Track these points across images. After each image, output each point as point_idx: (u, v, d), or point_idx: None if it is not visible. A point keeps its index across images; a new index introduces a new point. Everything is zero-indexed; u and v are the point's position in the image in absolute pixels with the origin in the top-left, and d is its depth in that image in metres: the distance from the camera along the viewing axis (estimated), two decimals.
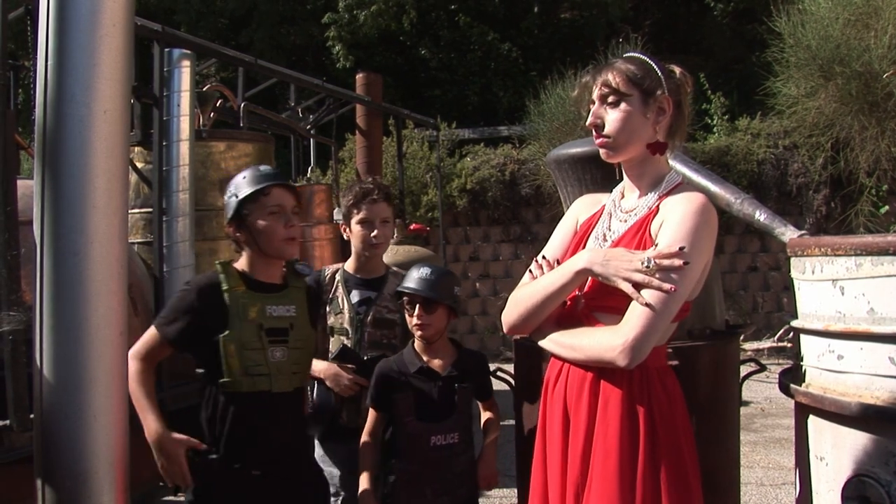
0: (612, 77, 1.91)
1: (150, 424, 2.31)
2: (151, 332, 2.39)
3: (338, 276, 2.94)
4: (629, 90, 1.90)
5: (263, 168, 2.47)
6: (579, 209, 2.15)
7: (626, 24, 17.06)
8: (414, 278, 2.57)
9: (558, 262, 2.02)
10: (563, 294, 1.94)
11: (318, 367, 2.78)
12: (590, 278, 1.92)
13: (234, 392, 2.31)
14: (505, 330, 2.08)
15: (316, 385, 2.82)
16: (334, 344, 2.85)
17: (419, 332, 2.57)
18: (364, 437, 2.63)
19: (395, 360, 2.63)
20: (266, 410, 2.33)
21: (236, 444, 2.33)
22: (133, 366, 2.30)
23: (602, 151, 1.96)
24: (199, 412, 2.41)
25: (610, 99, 1.92)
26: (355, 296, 2.90)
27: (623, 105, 1.90)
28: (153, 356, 2.41)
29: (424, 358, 2.60)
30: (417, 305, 2.55)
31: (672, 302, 1.76)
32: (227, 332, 2.30)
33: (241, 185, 2.40)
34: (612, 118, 1.92)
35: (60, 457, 1.47)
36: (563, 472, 1.91)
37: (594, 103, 1.96)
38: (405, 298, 2.59)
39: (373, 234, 2.88)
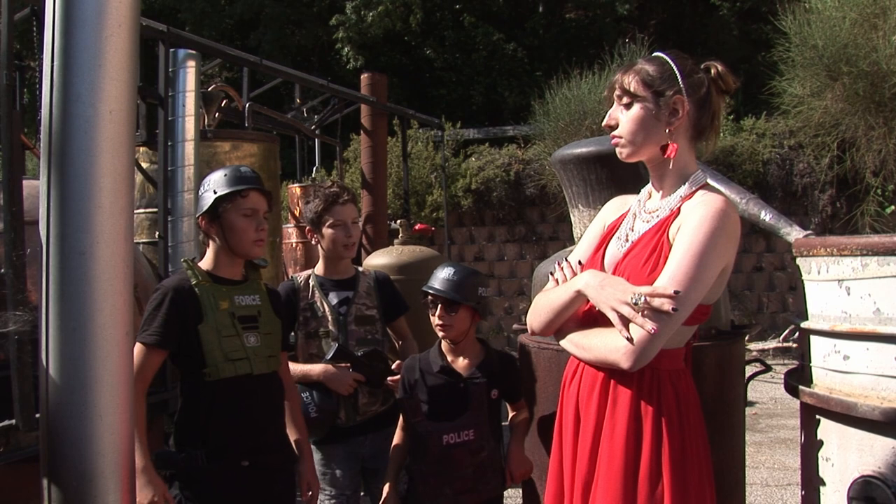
0: (627, 79, 1.93)
1: (137, 459, 2.23)
2: (136, 349, 2.36)
3: (311, 282, 2.98)
4: (641, 92, 1.90)
5: (244, 169, 2.56)
6: (608, 211, 2.16)
7: (631, 24, 17.04)
8: (438, 278, 2.57)
9: (580, 264, 2.04)
10: (569, 309, 1.96)
11: (316, 370, 2.80)
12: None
13: (217, 380, 2.38)
14: (529, 332, 2.12)
15: (312, 391, 2.82)
16: (325, 347, 2.89)
17: (441, 333, 2.58)
18: (398, 431, 2.69)
19: (421, 358, 2.64)
20: (249, 393, 2.42)
21: (222, 432, 2.38)
22: None
23: (617, 151, 1.98)
24: (179, 413, 2.46)
25: (624, 100, 1.94)
26: (333, 298, 2.96)
27: (635, 107, 1.91)
28: (144, 373, 2.36)
29: (449, 358, 2.59)
30: (439, 306, 2.55)
31: (681, 306, 1.74)
32: (203, 322, 2.39)
33: (220, 183, 2.49)
34: (624, 119, 1.94)
35: (66, 456, 1.47)
36: (573, 470, 1.93)
37: (613, 104, 1.98)
38: (428, 298, 2.58)
39: (349, 235, 2.95)
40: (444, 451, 2.45)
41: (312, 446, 2.86)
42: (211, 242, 2.52)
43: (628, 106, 1.93)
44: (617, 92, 1.95)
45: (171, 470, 2.41)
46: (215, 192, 2.47)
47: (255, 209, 2.49)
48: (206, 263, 2.54)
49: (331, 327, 2.91)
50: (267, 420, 2.49)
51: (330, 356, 2.81)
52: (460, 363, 2.58)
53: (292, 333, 2.92)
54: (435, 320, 2.56)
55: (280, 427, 2.57)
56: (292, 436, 2.65)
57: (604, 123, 1.99)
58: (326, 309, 2.93)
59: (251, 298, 2.53)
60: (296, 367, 2.85)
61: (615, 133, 1.96)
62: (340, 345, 2.84)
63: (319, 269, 3.04)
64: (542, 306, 2.02)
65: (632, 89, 1.91)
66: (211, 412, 2.38)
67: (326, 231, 2.96)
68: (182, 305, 2.39)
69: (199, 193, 2.55)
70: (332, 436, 2.85)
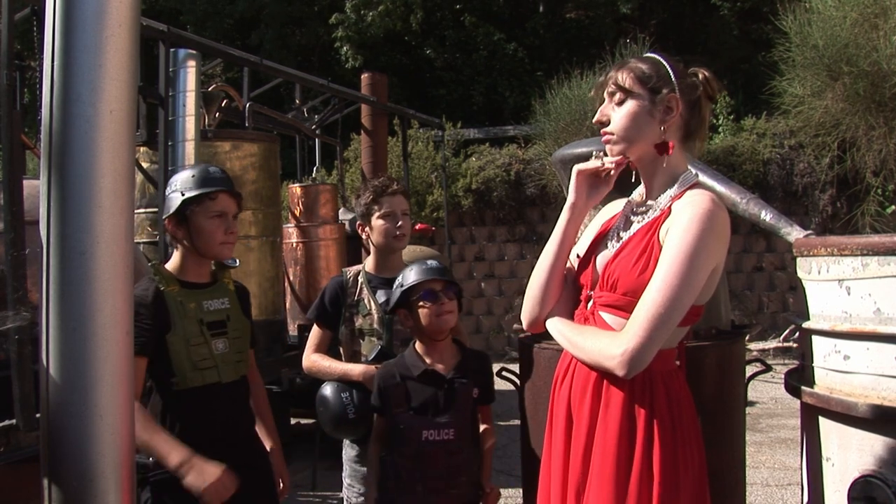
0: (620, 75, 1.91)
1: (174, 454, 2.21)
2: None
3: (360, 278, 2.92)
4: (636, 89, 1.89)
5: (213, 170, 2.49)
6: (606, 212, 2.16)
7: (631, 24, 17.04)
8: (424, 271, 2.51)
9: (578, 257, 2.05)
10: (560, 251, 2.01)
11: (356, 370, 2.74)
12: (597, 278, 1.94)
13: (185, 389, 2.36)
14: (525, 326, 2.10)
15: (352, 391, 2.75)
16: (366, 346, 2.84)
17: (443, 327, 2.49)
18: (372, 443, 2.61)
19: (397, 364, 2.56)
20: (217, 401, 2.40)
21: (192, 439, 2.34)
22: None
23: (607, 149, 1.96)
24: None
25: (617, 97, 1.92)
26: (381, 296, 2.88)
27: (629, 103, 1.90)
28: (135, 384, 2.29)
29: (427, 360, 2.52)
30: (441, 296, 2.48)
31: (674, 311, 1.75)
32: (171, 331, 2.34)
33: (188, 184, 2.42)
34: (617, 116, 1.92)
35: (66, 456, 1.47)
36: (564, 471, 1.92)
37: (604, 101, 1.96)
38: (423, 293, 2.48)
39: (398, 225, 2.87)
40: (420, 447, 2.40)
41: (347, 442, 2.85)
42: (179, 245, 2.47)
43: (621, 102, 1.91)
44: (610, 88, 1.93)
45: (141, 474, 2.37)
46: (182, 194, 2.40)
47: (224, 212, 2.43)
48: (172, 266, 2.48)
49: (376, 325, 2.85)
50: (236, 424, 2.47)
51: (372, 357, 2.77)
52: (440, 365, 2.52)
53: (342, 328, 2.87)
54: (435, 313, 2.47)
55: (249, 425, 2.56)
56: (261, 435, 2.63)
57: (594, 119, 1.96)
58: (373, 307, 2.86)
59: (220, 302, 2.49)
60: (336, 366, 2.80)
61: (606, 130, 1.94)
62: (383, 346, 2.79)
63: (369, 265, 2.96)
64: (535, 271, 2.05)
65: (627, 85, 1.90)
66: (179, 420, 2.37)
67: (376, 222, 2.88)
68: (152, 314, 2.33)
69: (166, 194, 2.48)
70: (370, 434, 2.83)
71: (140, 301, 2.34)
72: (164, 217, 2.48)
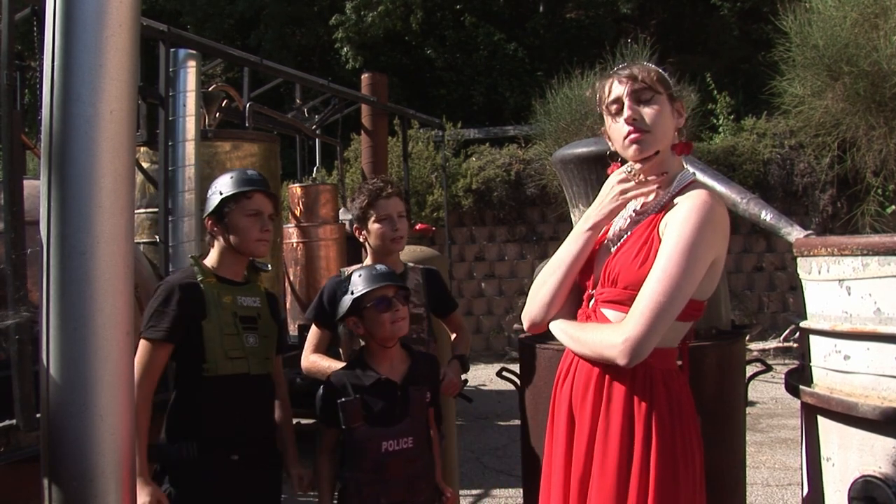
0: (645, 75, 1.91)
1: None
2: (142, 346, 2.42)
3: None
4: (660, 89, 1.92)
5: (251, 172, 2.62)
6: None
7: (631, 24, 17.06)
8: (375, 277, 2.47)
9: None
10: (577, 260, 2.00)
11: None
12: (600, 274, 1.96)
13: (214, 376, 2.43)
14: (526, 327, 2.10)
15: None
16: None
17: (401, 330, 2.47)
18: (321, 454, 2.55)
19: (347, 375, 2.49)
20: (243, 392, 2.47)
21: (215, 427, 2.43)
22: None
23: (634, 148, 1.91)
24: (172, 405, 2.50)
25: (644, 96, 1.90)
26: None
27: (659, 101, 1.91)
28: (153, 370, 2.42)
29: (379, 368, 2.47)
30: (395, 301, 2.46)
31: (675, 300, 1.76)
32: (207, 318, 2.44)
33: (227, 185, 2.55)
34: (651, 112, 1.90)
35: (66, 456, 1.47)
36: (566, 470, 1.93)
37: (618, 102, 1.93)
38: (377, 301, 2.44)
39: (395, 228, 2.85)
40: (381, 459, 2.36)
41: None
42: (216, 242, 2.57)
43: (648, 101, 1.90)
44: (636, 86, 1.90)
45: (162, 462, 2.46)
46: (221, 194, 2.53)
47: (260, 210, 2.53)
48: (210, 262, 2.58)
49: None
50: (257, 418, 2.54)
51: None
52: (392, 371, 2.48)
53: (341, 328, 2.84)
54: (390, 320, 2.44)
55: (269, 423, 2.62)
56: (280, 436, 2.67)
57: (626, 117, 1.90)
58: None
59: (252, 300, 2.58)
60: (336, 366, 2.75)
61: (641, 127, 1.89)
62: None
63: (368, 264, 2.92)
64: (547, 272, 2.04)
65: (655, 85, 1.91)
66: (205, 407, 2.44)
67: (373, 226, 2.86)
68: (188, 301, 2.44)
69: (208, 195, 2.60)
70: None
71: (172, 289, 2.46)
72: (204, 216, 2.59)
